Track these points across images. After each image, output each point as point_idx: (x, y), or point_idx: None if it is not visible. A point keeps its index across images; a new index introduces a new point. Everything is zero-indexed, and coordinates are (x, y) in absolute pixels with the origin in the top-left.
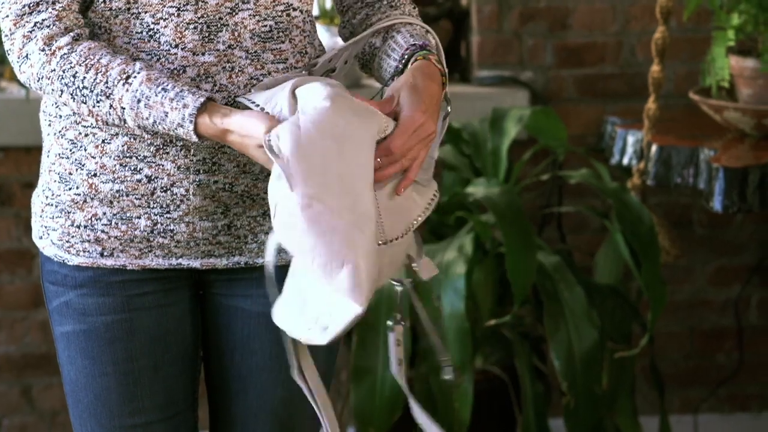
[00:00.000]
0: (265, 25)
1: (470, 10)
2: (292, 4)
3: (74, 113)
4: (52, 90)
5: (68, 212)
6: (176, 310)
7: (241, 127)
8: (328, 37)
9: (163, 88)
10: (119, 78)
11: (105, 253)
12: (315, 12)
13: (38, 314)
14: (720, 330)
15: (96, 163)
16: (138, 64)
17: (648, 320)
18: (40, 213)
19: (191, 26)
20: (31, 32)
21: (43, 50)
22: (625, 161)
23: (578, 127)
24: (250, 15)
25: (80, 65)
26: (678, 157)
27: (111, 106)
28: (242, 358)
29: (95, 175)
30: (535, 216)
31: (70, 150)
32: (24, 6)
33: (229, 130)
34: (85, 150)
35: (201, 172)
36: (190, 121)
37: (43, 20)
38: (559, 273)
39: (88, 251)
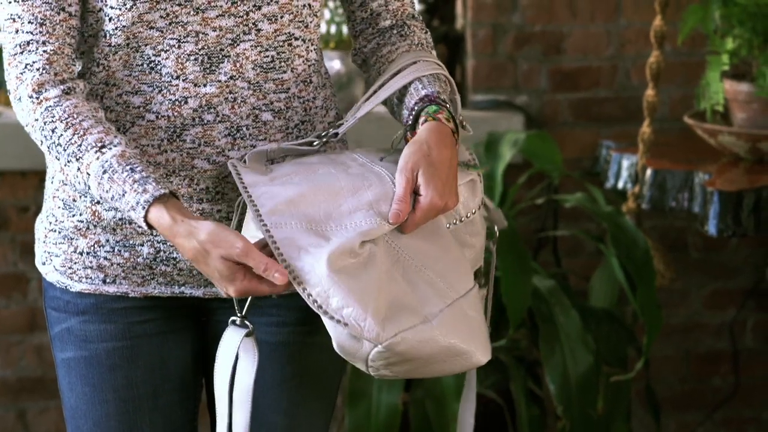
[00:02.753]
0: (267, 56)
1: (465, 34)
2: (293, 34)
3: None
4: (34, 138)
5: (71, 239)
6: (178, 338)
7: (215, 236)
8: (339, 65)
9: (131, 168)
10: (94, 145)
11: (107, 280)
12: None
13: (34, 338)
14: (716, 353)
15: None
16: (118, 138)
17: (643, 344)
18: (44, 239)
19: (192, 57)
20: (22, 74)
21: (31, 97)
22: (620, 185)
23: (573, 151)
24: (251, 46)
25: (61, 122)
26: (673, 181)
27: (78, 169)
28: None
29: (98, 202)
30: (531, 240)
31: None
32: (16, 45)
33: (178, 232)
34: None
35: (204, 200)
36: (143, 207)
37: (33, 62)
38: (554, 297)
39: (91, 278)
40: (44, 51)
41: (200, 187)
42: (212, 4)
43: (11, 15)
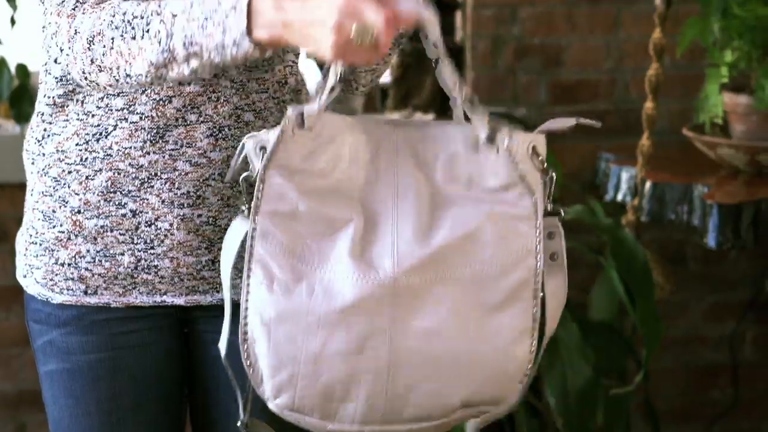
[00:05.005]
0: None
1: (464, 46)
2: None
3: (57, 150)
4: (104, 46)
5: (52, 250)
6: (160, 349)
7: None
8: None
9: None
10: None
11: (89, 291)
12: None
13: (31, 351)
14: (715, 366)
15: (80, 199)
16: None
17: (643, 356)
18: (24, 252)
19: None
20: (74, 10)
21: (94, 9)
22: (620, 197)
23: (572, 164)
24: None
25: (131, 6)
26: (672, 194)
27: (161, 20)
28: (227, 395)
29: (79, 211)
30: None
31: (54, 188)
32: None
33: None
34: (69, 187)
35: (185, 206)
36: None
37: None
38: None
39: (72, 289)
40: None
41: (181, 191)
42: None
43: None
